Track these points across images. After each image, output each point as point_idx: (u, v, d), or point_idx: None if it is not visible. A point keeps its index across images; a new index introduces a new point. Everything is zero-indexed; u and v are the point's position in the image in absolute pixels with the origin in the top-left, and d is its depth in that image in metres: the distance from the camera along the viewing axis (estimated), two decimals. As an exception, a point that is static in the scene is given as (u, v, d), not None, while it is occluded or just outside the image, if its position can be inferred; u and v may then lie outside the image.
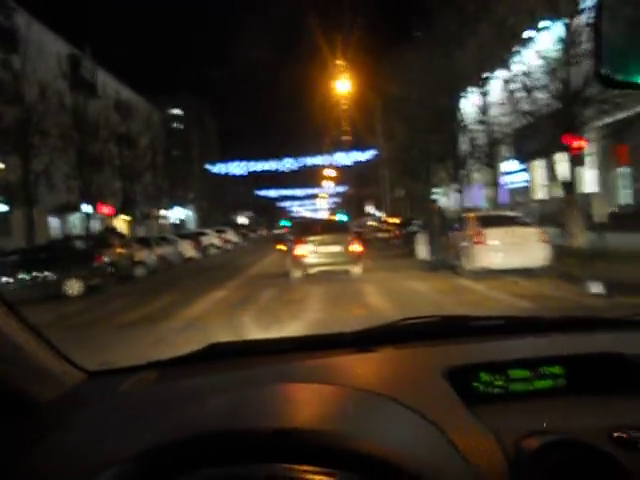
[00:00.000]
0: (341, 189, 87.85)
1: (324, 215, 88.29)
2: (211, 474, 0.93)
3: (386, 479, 0.91)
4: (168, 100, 60.99)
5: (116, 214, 41.66)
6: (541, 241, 12.20)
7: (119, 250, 18.14)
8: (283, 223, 53.35)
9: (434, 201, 15.15)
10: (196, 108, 69.29)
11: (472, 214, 14.10)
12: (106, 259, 15.41)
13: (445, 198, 45.66)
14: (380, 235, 23.16)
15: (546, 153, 17.90)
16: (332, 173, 75.71)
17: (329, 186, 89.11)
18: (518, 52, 17.36)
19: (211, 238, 33.07)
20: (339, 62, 38.13)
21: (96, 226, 36.55)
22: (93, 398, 1.31)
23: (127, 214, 41.27)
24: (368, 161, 57.22)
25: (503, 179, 30.26)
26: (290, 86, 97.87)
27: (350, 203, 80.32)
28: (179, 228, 51.74)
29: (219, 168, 60.03)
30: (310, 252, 13.70)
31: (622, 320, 1.72)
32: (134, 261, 19.56)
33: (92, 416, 1.22)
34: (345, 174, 73.71)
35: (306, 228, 15.35)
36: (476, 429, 1.09)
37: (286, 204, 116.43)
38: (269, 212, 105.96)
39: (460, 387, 1.25)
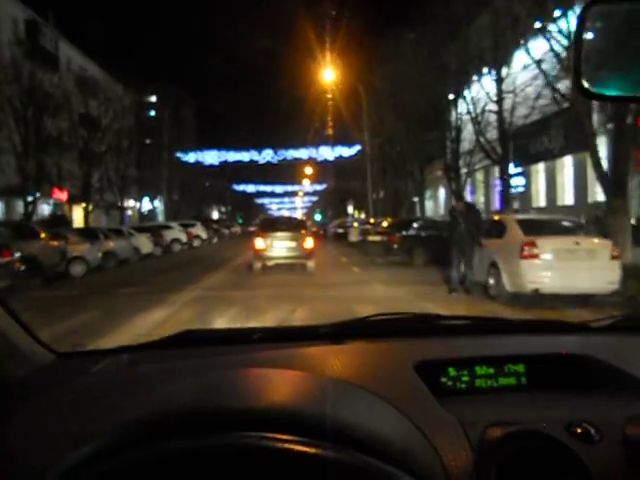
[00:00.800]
0: (321, 187, 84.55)
1: (301, 214, 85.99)
2: (186, 445, 0.88)
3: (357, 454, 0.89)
4: (145, 87, 57.03)
5: (74, 201, 37.54)
6: (612, 258, 8.82)
7: (48, 242, 14.34)
8: None
9: (461, 197, 11.68)
10: (174, 96, 65.35)
11: (514, 217, 10.65)
12: (18, 254, 11.58)
13: (432, 201, 42.64)
14: (372, 239, 19.63)
15: (581, 147, 14.73)
16: (313, 170, 72.30)
17: (310, 184, 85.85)
18: (556, 21, 14.05)
19: (176, 232, 29.28)
20: (326, 48, 34.57)
21: (46, 213, 32.57)
22: (65, 377, 1.31)
23: (87, 201, 37.15)
24: (351, 157, 53.75)
25: (497, 183, 27.19)
26: (274, 76, 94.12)
27: (330, 203, 76.91)
28: (148, 220, 47.56)
29: (193, 157, 56.02)
30: (269, 246, 14.96)
31: (584, 325, 1.73)
32: (71, 257, 15.90)
33: (64, 394, 1.21)
34: (326, 171, 70.25)
35: (269, 225, 16.67)
36: (443, 419, 1.11)
37: (264, 201, 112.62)
38: (247, 208, 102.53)
39: (428, 381, 1.26)
